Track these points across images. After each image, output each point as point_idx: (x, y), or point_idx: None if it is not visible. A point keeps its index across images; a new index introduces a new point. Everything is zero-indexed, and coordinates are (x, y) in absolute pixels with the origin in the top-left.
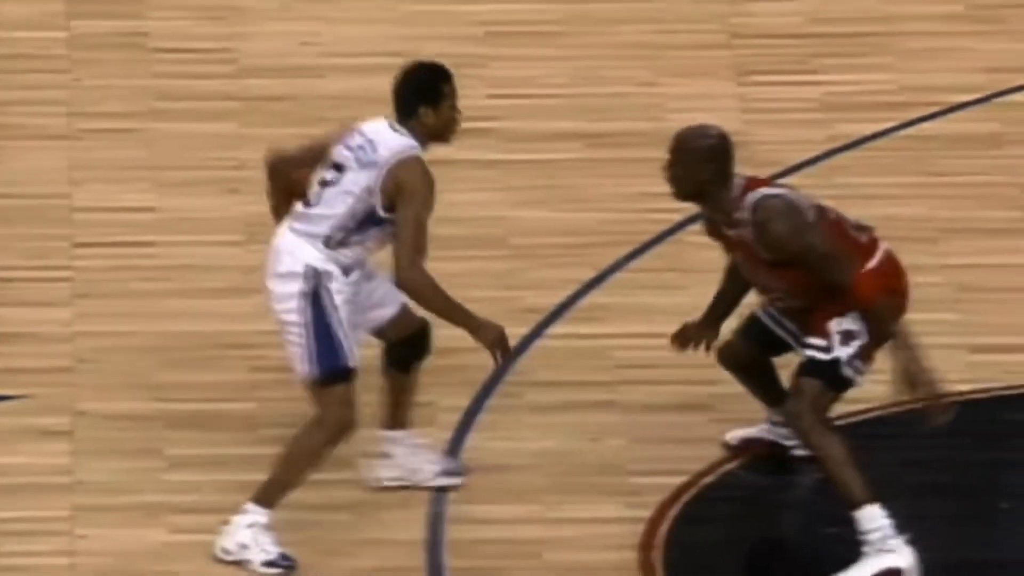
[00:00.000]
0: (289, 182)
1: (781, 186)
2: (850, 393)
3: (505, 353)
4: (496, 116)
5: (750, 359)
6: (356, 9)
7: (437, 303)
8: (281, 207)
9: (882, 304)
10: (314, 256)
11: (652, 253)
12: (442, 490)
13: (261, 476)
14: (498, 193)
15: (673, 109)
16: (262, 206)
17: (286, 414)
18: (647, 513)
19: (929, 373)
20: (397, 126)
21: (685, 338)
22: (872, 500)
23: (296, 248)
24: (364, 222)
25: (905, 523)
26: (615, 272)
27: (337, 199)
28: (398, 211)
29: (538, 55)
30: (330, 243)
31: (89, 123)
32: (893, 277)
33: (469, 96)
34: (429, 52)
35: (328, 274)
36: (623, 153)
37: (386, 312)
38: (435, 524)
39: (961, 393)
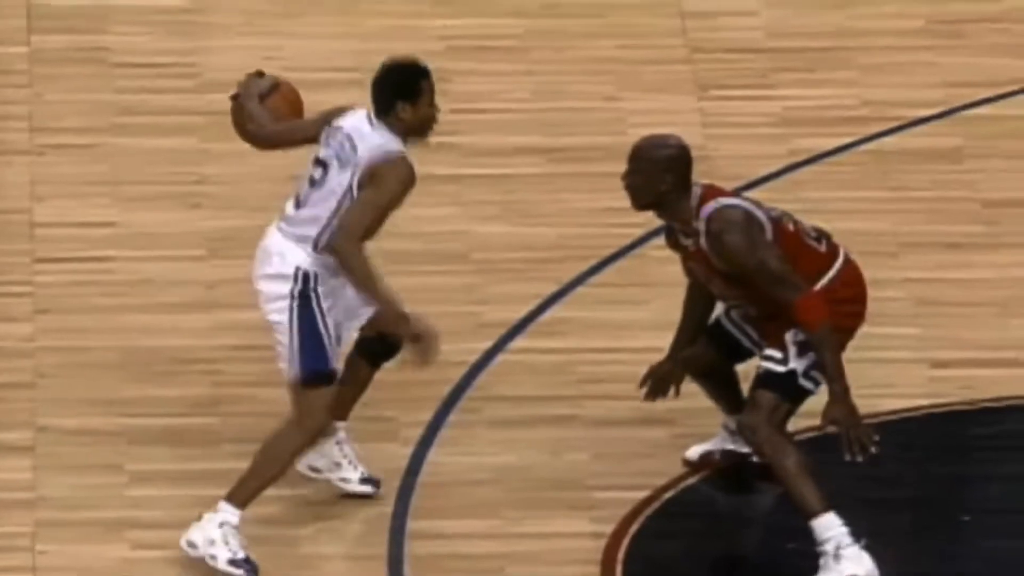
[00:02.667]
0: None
1: (740, 196)
2: (812, 408)
3: (429, 350)
4: (458, 131)
5: (713, 365)
6: (319, 24)
7: (364, 279)
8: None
9: (826, 331)
10: (303, 258)
11: (614, 268)
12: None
13: (222, 491)
14: (460, 208)
15: (634, 124)
16: (224, 221)
17: (248, 429)
18: (609, 528)
19: (852, 409)
20: (375, 120)
21: (655, 385)
22: (827, 509)
23: (286, 250)
24: None
25: (866, 538)
26: (577, 287)
27: (322, 200)
28: (364, 192)
29: (500, 70)
30: (317, 246)
31: (50, 138)
32: (851, 285)
33: None
34: None
35: (317, 276)
36: (585, 168)
37: (371, 309)
38: (397, 539)
39: (921, 408)
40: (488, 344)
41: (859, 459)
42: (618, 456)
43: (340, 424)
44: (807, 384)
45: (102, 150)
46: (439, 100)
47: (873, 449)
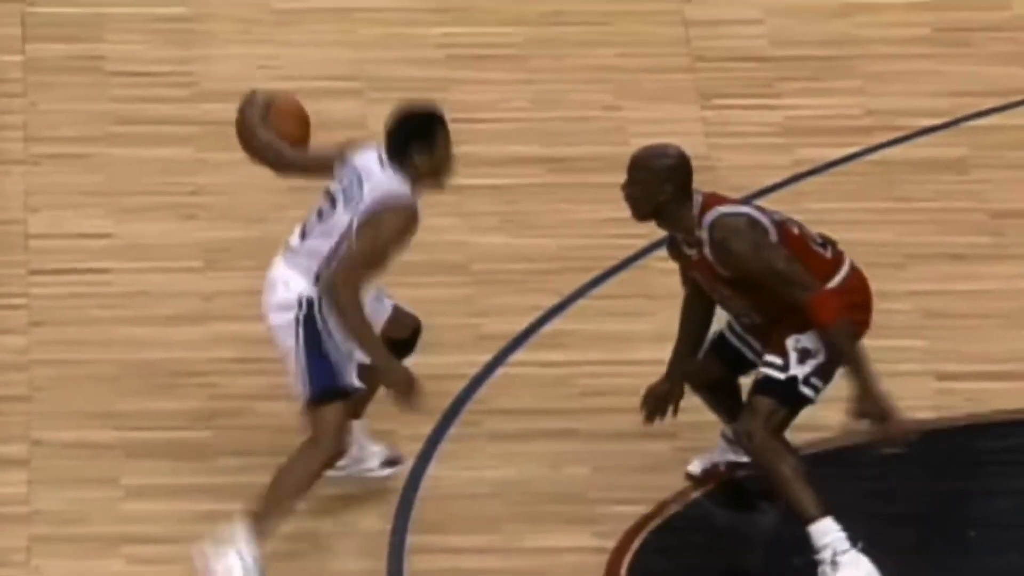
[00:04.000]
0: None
1: (741, 202)
2: (815, 421)
3: (411, 398)
4: (457, 140)
5: (715, 378)
6: (315, 32)
7: (356, 327)
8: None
9: (842, 325)
10: (306, 287)
11: (616, 279)
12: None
13: (218, 506)
14: (459, 218)
15: (636, 133)
16: (221, 232)
17: (244, 443)
18: (611, 543)
19: (884, 399)
20: (387, 161)
21: (653, 406)
22: (824, 514)
23: (290, 279)
24: None
25: (873, 554)
26: (578, 299)
27: (325, 235)
28: (362, 234)
29: (499, 79)
30: (319, 280)
31: (45, 148)
32: (857, 292)
33: None
34: (389, 76)
35: (322, 301)
36: (586, 178)
37: (380, 320)
38: (397, 554)
39: (927, 421)
40: (488, 357)
41: (899, 451)
42: (620, 470)
43: (355, 422)
44: (807, 391)
45: (97, 160)
46: (444, 110)
47: (913, 437)
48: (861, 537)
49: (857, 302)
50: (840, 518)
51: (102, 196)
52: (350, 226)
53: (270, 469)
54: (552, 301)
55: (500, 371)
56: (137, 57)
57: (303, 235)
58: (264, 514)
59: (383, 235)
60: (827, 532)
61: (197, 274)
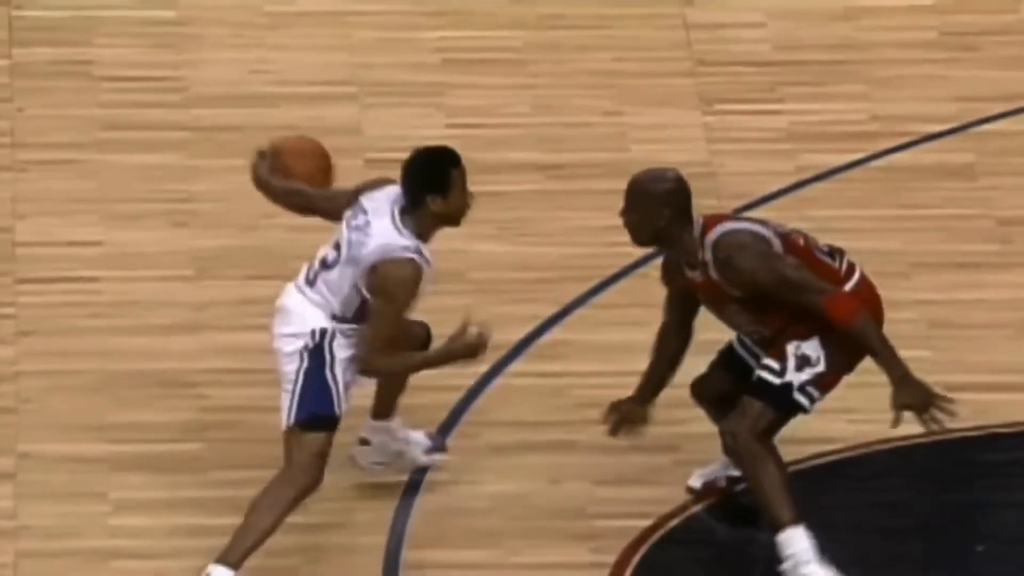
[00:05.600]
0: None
1: (742, 218)
2: (821, 434)
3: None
4: (454, 146)
5: (723, 392)
6: (309, 36)
7: (407, 369)
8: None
9: (863, 319)
10: (322, 320)
11: (615, 288)
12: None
13: (209, 520)
14: None
15: (636, 139)
16: (212, 240)
17: (235, 456)
18: (611, 558)
19: (922, 385)
20: (400, 207)
21: (616, 422)
22: (796, 523)
23: (306, 312)
24: (362, 308)
25: (879, 567)
26: (577, 308)
27: (333, 287)
28: (374, 302)
29: (497, 83)
30: (336, 319)
31: (33, 154)
32: (868, 302)
33: (426, 126)
34: (385, 80)
35: (335, 334)
36: (585, 185)
37: None
38: (392, 569)
39: (934, 433)
40: (486, 367)
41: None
42: (619, 483)
43: (390, 423)
44: (801, 399)
45: (86, 167)
46: (435, 114)
47: (955, 412)
48: (867, 550)
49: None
50: (845, 531)
51: (91, 203)
52: (355, 284)
53: (262, 482)
54: (551, 310)
55: (498, 382)
56: (127, 61)
57: (311, 283)
58: (237, 553)
59: (394, 301)
60: (795, 542)
61: (188, 283)
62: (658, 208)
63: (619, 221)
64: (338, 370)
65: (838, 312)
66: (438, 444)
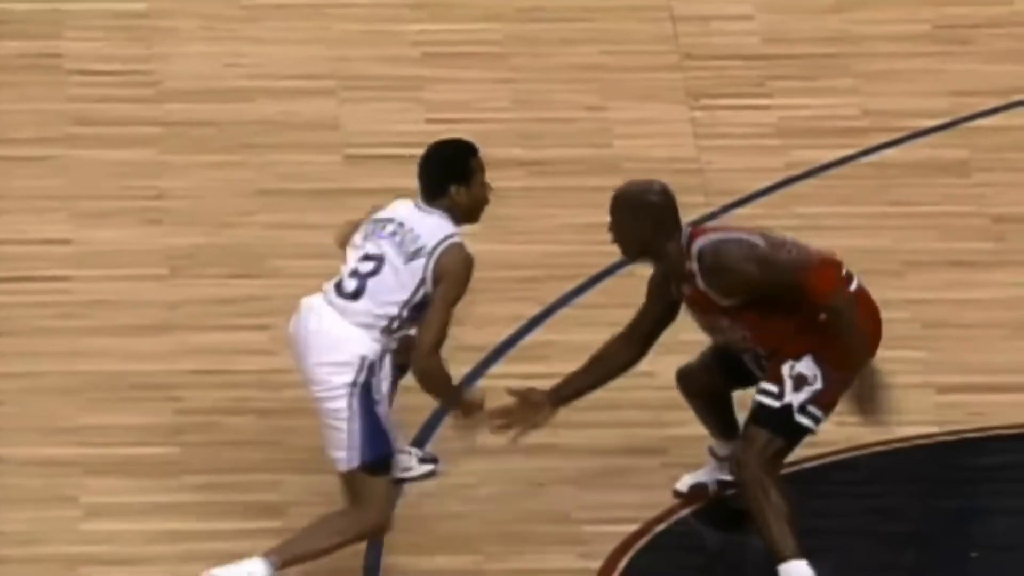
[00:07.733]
0: None
1: (730, 228)
2: (817, 436)
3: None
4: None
5: (712, 387)
6: (285, 29)
7: (442, 390)
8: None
9: (842, 298)
10: (368, 346)
11: (600, 288)
12: (427, 476)
13: (184, 525)
14: None
15: (622, 135)
16: (186, 238)
17: (211, 459)
18: (597, 564)
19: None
20: (426, 207)
21: (517, 416)
22: (799, 557)
23: (351, 337)
24: (419, 307)
25: (871, 574)
26: (561, 308)
27: (388, 292)
28: (441, 288)
29: (478, 77)
30: (389, 329)
31: (1, 150)
32: (865, 315)
33: (405, 121)
34: (363, 74)
35: (379, 364)
36: (569, 181)
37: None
38: None
39: (929, 436)
40: (467, 369)
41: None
42: (605, 487)
43: None
44: (804, 421)
45: (56, 162)
46: (414, 109)
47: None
48: (859, 556)
49: (868, 330)
50: (836, 536)
51: (61, 200)
52: (424, 278)
53: (238, 486)
54: (534, 310)
55: (480, 384)
56: (97, 55)
57: (355, 295)
58: (281, 563)
59: (456, 286)
60: (795, 574)
61: (162, 282)
62: (644, 222)
63: (603, 219)
64: (384, 405)
65: (818, 286)
66: (430, 455)
